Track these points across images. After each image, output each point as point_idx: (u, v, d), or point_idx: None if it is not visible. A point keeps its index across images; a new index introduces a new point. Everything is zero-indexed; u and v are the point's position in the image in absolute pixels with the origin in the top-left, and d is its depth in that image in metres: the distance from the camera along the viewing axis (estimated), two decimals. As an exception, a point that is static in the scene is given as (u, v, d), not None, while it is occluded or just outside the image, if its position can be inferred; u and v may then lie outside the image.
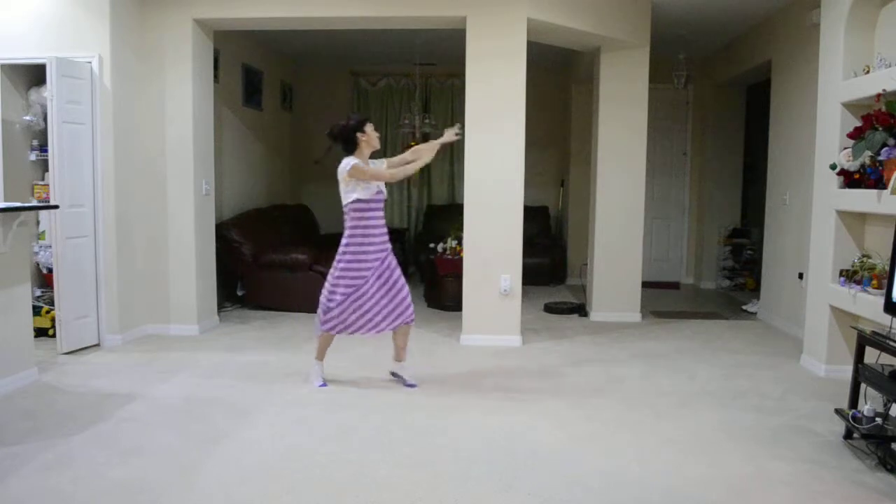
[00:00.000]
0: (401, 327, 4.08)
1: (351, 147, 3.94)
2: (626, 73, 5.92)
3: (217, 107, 5.96)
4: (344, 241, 3.94)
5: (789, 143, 5.75)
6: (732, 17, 6.08)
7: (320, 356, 4.17)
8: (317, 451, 3.13)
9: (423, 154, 4.15)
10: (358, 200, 3.88)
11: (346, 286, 3.92)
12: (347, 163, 3.86)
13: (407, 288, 4.05)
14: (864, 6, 4.14)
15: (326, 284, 4.00)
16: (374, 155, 4.10)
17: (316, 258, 6.28)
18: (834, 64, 4.31)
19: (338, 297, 3.92)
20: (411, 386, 4.10)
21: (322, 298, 3.99)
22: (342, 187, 3.90)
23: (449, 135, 4.18)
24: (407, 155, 4.17)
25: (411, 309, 4.06)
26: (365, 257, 3.91)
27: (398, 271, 4.03)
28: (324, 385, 4.09)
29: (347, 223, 3.94)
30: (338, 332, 4.03)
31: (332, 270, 3.98)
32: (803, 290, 5.08)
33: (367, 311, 3.95)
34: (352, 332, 4.02)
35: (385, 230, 4.02)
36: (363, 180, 3.85)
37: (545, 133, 8.34)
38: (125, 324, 5.11)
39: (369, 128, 3.94)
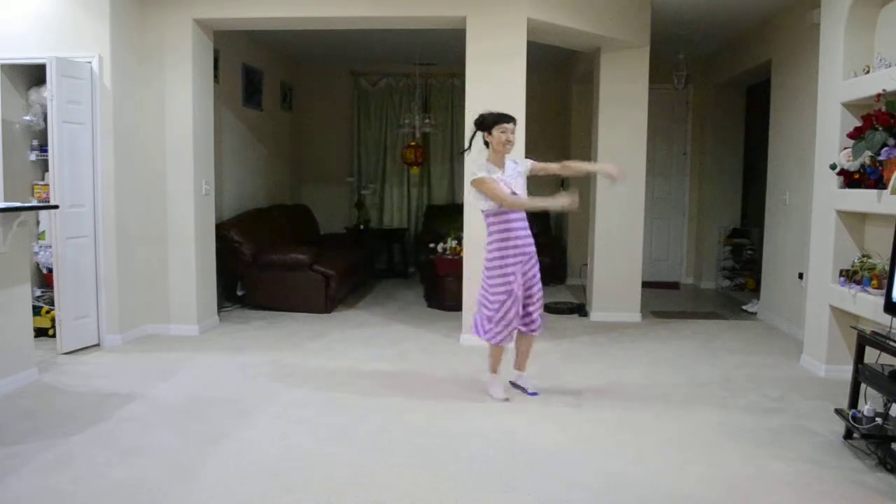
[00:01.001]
0: (526, 335, 3.94)
1: (487, 145, 3.78)
2: (626, 73, 5.91)
3: (217, 107, 5.95)
4: (486, 248, 3.79)
5: (789, 143, 5.75)
6: (732, 16, 6.07)
7: (494, 369, 3.95)
8: (317, 451, 3.13)
9: (572, 169, 4.09)
10: (485, 211, 3.71)
11: (500, 293, 3.73)
12: (474, 173, 3.69)
13: (540, 301, 3.85)
14: (864, 6, 4.14)
15: (481, 291, 3.81)
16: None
17: (316, 258, 6.28)
18: (834, 64, 4.31)
19: (495, 306, 3.75)
20: (534, 395, 3.95)
21: (480, 306, 3.83)
22: (473, 192, 3.73)
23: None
24: (554, 165, 3.98)
25: (539, 322, 3.88)
26: (506, 262, 3.71)
27: (535, 280, 3.80)
28: (506, 399, 3.85)
29: (487, 229, 3.78)
30: (504, 343, 3.83)
31: (482, 278, 3.82)
32: (803, 290, 5.08)
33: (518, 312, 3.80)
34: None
35: (526, 232, 3.74)
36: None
37: (545, 133, 8.33)
38: (125, 324, 5.10)
39: (497, 130, 3.69)
